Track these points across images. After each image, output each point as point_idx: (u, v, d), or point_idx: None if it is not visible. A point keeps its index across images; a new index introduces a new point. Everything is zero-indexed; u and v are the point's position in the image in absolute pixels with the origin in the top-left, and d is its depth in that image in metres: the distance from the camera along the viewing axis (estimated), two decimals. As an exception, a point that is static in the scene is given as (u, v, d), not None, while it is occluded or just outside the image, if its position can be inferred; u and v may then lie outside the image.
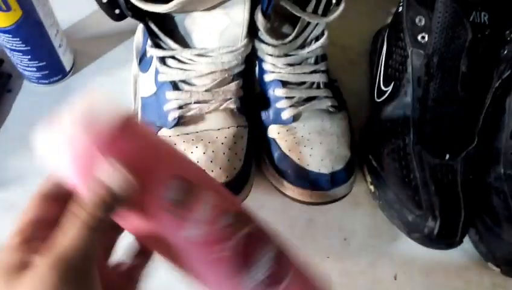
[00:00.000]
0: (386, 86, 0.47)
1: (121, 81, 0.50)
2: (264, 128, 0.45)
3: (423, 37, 0.43)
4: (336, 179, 0.42)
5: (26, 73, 0.48)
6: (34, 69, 0.47)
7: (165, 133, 0.43)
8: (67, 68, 0.50)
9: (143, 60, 0.46)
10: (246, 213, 0.30)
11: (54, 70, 0.48)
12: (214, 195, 0.27)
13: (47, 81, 0.49)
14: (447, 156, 0.43)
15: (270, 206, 0.46)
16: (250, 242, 0.28)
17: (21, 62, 0.46)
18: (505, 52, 0.43)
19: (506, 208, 0.42)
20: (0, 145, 0.47)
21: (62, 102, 0.52)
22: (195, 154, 0.41)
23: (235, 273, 0.27)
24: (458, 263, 0.45)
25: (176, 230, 0.25)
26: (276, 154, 0.43)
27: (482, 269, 0.44)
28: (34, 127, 0.50)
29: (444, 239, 0.42)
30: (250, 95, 0.46)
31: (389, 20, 0.51)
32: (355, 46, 0.56)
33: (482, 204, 0.43)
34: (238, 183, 0.41)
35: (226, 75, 0.42)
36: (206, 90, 0.42)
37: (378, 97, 0.48)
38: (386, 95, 0.46)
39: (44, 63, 0.47)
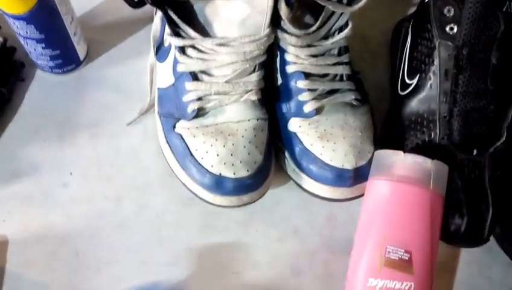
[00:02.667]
0: (411, 78, 0.45)
1: (136, 72, 0.48)
2: (284, 122, 0.43)
3: (451, 28, 0.41)
4: (360, 175, 0.40)
5: (40, 62, 0.46)
6: (48, 57, 0.45)
7: (183, 125, 0.41)
8: (81, 57, 0.48)
9: (160, 50, 0.44)
10: None
11: (67, 60, 0.47)
12: None
13: (60, 71, 0.47)
14: (475, 152, 0.41)
15: (289, 202, 0.44)
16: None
17: (35, 50, 0.44)
18: (537, 44, 0.41)
19: (534, 205, 0.40)
20: (13, 136, 0.45)
21: (75, 92, 0.51)
22: (215, 147, 0.39)
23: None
24: (482, 261, 0.43)
25: None
26: (297, 149, 0.42)
27: (506, 267, 0.42)
28: (47, 117, 0.49)
29: (471, 237, 0.40)
30: (270, 87, 0.44)
31: (410, 10, 0.49)
32: (376, 37, 0.54)
33: (509, 201, 0.41)
34: (258, 178, 0.39)
35: (247, 65, 0.40)
36: (226, 82, 0.40)
37: (402, 90, 0.46)
38: (411, 88, 0.44)
39: (58, 51, 0.45)
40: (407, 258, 0.36)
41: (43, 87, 0.48)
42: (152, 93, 0.46)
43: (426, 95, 0.43)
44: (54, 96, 0.47)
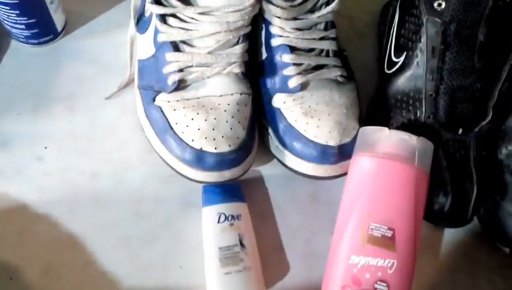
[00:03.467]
0: (398, 56, 0.44)
1: (116, 44, 0.47)
2: (268, 98, 0.42)
3: (439, 4, 0.40)
4: (344, 152, 0.39)
5: (14, 30, 0.44)
6: (23, 26, 0.43)
7: (163, 97, 0.39)
8: (59, 28, 0.46)
9: (141, 20, 0.42)
10: None
11: (44, 29, 0.44)
12: None
13: (36, 41, 0.45)
14: (460, 131, 0.41)
15: (271, 179, 0.43)
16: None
17: (8, 18, 0.42)
18: (525, 23, 0.40)
19: (518, 186, 0.40)
20: (-15, 108, 0.43)
21: (51, 64, 0.49)
22: (196, 121, 0.37)
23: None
24: (465, 243, 0.42)
25: None
26: (281, 125, 0.40)
27: (490, 250, 0.42)
28: (21, 89, 0.47)
29: (455, 216, 0.39)
30: (254, 62, 0.42)
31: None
32: (363, 17, 0.53)
33: (492, 182, 0.41)
34: (241, 153, 0.38)
35: (231, 36, 0.39)
36: (208, 53, 0.39)
37: (389, 68, 0.45)
38: (397, 66, 0.43)
39: (33, 20, 0.43)
40: (390, 235, 0.35)
41: (18, 58, 0.46)
42: (132, 66, 0.44)
43: (413, 73, 0.42)
44: (29, 68, 0.45)
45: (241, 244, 0.37)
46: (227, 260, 0.37)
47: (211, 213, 0.39)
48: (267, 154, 0.43)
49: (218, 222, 0.38)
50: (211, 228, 0.38)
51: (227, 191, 0.40)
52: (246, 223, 0.39)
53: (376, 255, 0.34)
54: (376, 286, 0.34)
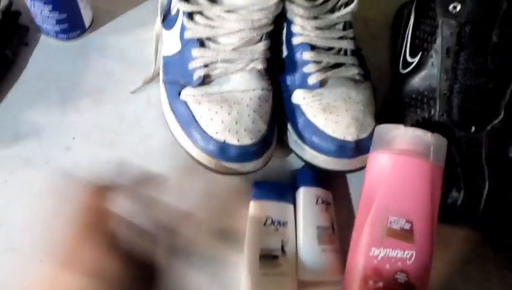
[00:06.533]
0: (413, 56, 0.44)
1: (141, 41, 0.47)
2: (288, 94, 0.42)
3: (455, 7, 0.40)
4: (361, 147, 0.39)
5: (45, 26, 0.44)
6: (54, 21, 0.43)
7: (188, 92, 0.39)
8: (87, 24, 0.46)
9: (167, 17, 0.42)
10: None
11: (73, 25, 0.45)
12: None
13: (65, 36, 0.45)
14: (473, 129, 0.41)
15: (290, 174, 0.43)
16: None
17: (41, 13, 0.42)
18: (537, 25, 0.40)
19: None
20: (16, 100, 0.44)
21: (79, 59, 0.50)
22: (220, 114, 0.38)
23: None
24: (476, 237, 0.42)
25: None
26: (300, 120, 0.41)
27: (499, 246, 0.42)
28: (50, 82, 0.47)
29: (467, 210, 0.39)
30: (276, 60, 0.42)
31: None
32: (377, 19, 0.53)
33: (503, 179, 0.41)
34: (261, 146, 0.38)
35: (255, 34, 0.39)
36: (233, 49, 0.39)
37: (404, 68, 0.45)
38: (412, 66, 0.44)
39: (64, 15, 0.43)
40: (408, 227, 0.35)
41: (47, 52, 0.46)
42: (157, 62, 0.44)
43: (427, 73, 0.42)
44: (58, 62, 0.46)
45: (283, 250, 0.38)
46: (266, 261, 0.37)
47: (259, 211, 0.39)
48: (285, 150, 0.43)
49: (265, 224, 0.38)
50: (257, 226, 0.39)
51: (277, 189, 0.40)
52: (291, 229, 0.39)
53: (395, 247, 0.35)
54: (396, 276, 0.34)
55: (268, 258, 0.37)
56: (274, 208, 0.39)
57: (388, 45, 0.51)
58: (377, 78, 0.47)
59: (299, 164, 0.43)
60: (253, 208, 0.39)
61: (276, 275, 0.37)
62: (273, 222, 0.39)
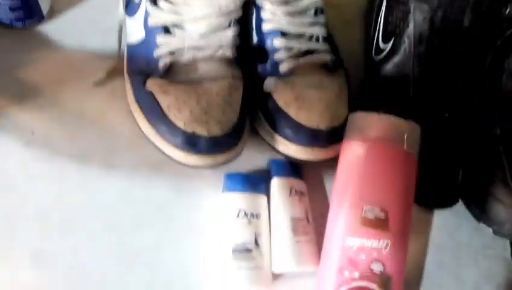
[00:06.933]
0: (385, 42, 0.43)
1: (104, 29, 0.44)
2: (259, 82, 0.40)
3: (427, -8, 0.40)
4: (334, 136, 0.38)
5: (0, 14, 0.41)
6: (7, 8, 0.40)
7: (154, 81, 0.37)
8: (44, 12, 0.43)
9: (130, 4, 0.40)
10: None
11: (29, 12, 0.42)
12: None
13: (21, 24, 0.42)
14: (446, 114, 0.40)
15: (262, 165, 0.42)
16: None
17: (-8, -1, 0.39)
18: (508, 11, 0.40)
19: (501, 169, 0.39)
20: (-32, 93, 0.40)
21: (37, 49, 0.47)
22: (188, 104, 0.36)
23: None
24: (449, 223, 0.42)
25: None
26: (272, 109, 0.39)
27: (473, 230, 0.42)
28: (6, 74, 0.44)
29: (442, 197, 0.39)
30: (245, 47, 0.41)
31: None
32: (349, 6, 0.51)
33: (477, 163, 0.40)
34: (233, 137, 0.37)
35: (223, 20, 0.37)
36: (200, 36, 0.37)
37: (377, 55, 0.44)
38: (385, 52, 0.43)
39: (18, 2, 0.40)
40: (383, 216, 0.34)
41: (3, 42, 0.43)
42: (120, 52, 0.42)
43: (400, 59, 0.41)
44: (14, 52, 0.42)
45: (256, 243, 0.37)
46: (239, 255, 0.36)
47: (231, 203, 0.38)
48: (257, 140, 0.41)
49: (237, 217, 0.37)
50: (229, 219, 0.37)
51: (250, 181, 0.39)
52: (264, 221, 0.38)
53: (371, 237, 0.34)
54: (372, 266, 0.33)
55: (241, 252, 0.36)
56: (246, 200, 0.38)
57: (361, 32, 0.50)
58: (350, 66, 0.46)
59: (272, 155, 0.41)
60: (225, 200, 0.38)
61: (250, 268, 0.35)
62: (245, 214, 0.37)
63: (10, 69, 0.42)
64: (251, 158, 0.42)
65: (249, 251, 0.36)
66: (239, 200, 0.38)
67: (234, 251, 0.36)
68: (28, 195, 0.38)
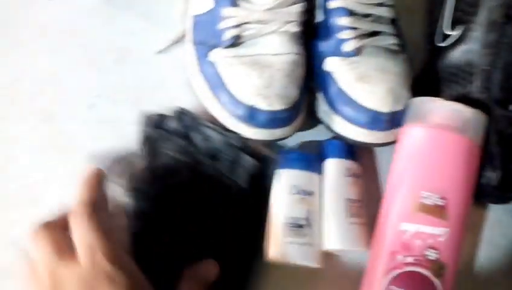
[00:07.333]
0: (453, 29, 0.41)
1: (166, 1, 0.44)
2: (320, 61, 0.40)
3: (502, -24, 0.38)
4: (395, 119, 0.37)
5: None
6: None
7: (218, 53, 0.38)
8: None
9: (198, -26, 0.40)
10: None
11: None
12: None
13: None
14: (510, 107, 0.38)
15: (315, 144, 0.41)
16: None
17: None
18: None
19: None
20: (39, 53, 0.42)
21: (103, 16, 0.47)
22: (251, 77, 0.36)
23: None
24: (504, 222, 0.41)
25: None
26: (332, 89, 0.39)
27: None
28: (74, 38, 0.44)
29: (502, 191, 0.38)
30: (309, 25, 0.40)
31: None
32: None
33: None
34: (292, 113, 0.37)
35: (290, -6, 0.37)
36: (267, 10, 0.37)
37: (442, 42, 0.42)
38: (451, 39, 0.41)
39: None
40: (442, 204, 0.33)
41: (71, 9, 0.44)
42: (184, 22, 0.42)
43: (468, 47, 0.40)
44: (82, 18, 0.44)
45: (307, 220, 0.37)
46: (291, 230, 0.36)
47: (285, 179, 0.38)
48: (313, 119, 0.41)
49: (291, 193, 0.37)
50: (283, 194, 0.37)
51: (305, 159, 0.39)
52: (316, 200, 0.38)
53: (427, 223, 0.33)
54: (426, 252, 0.32)
55: (293, 227, 0.36)
56: (300, 178, 0.38)
57: (423, 20, 0.49)
58: (410, 53, 0.45)
59: (325, 135, 0.41)
60: (279, 176, 0.38)
61: (301, 244, 0.36)
62: (299, 191, 0.37)
63: (77, 33, 0.43)
64: (305, 136, 0.41)
65: (300, 227, 0.36)
66: (294, 177, 0.38)
67: (286, 225, 0.36)
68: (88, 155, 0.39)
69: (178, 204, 0.36)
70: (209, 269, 0.34)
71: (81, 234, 0.29)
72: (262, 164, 0.38)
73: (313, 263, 0.36)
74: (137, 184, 0.36)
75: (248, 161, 0.37)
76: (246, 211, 0.37)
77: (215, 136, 0.37)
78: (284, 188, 0.37)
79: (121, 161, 0.37)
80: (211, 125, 0.38)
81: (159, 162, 0.37)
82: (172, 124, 0.38)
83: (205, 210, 0.36)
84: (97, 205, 0.30)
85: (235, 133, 0.37)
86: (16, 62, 0.42)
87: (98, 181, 0.31)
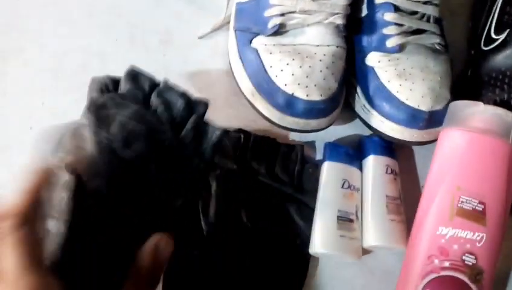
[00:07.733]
0: (498, 33, 0.40)
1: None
2: (362, 55, 0.39)
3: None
4: (433, 119, 0.37)
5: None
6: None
7: (261, 40, 0.38)
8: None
9: (246, -37, 0.40)
10: None
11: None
12: None
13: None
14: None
15: (349, 140, 0.41)
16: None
17: None
18: None
19: None
20: (85, 30, 0.42)
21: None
22: (291, 66, 0.36)
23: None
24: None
25: None
26: (372, 84, 0.38)
27: None
28: (120, 17, 0.44)
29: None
30: (353, 19, 0.40)
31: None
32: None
33: None
34: (330, 105, 0.36)
35: (337, -14, 0.36)
36: (313, 0, 0.37)
37: (486, 45, 0.41)
38: (497, 43, 0.40)
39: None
40: (481, 209, 0.33)
41: None
42: (228, 9, 0.42)
43: (512, 52, 0.39)
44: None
45: (356, 215, 0.37)
46: (343, 223, 0.36)
47: (335, 172, 0.38)
48: (349, 114, 0.41)
49: (342, 187, 0.37)
50: (335, 187, 0.37)
51: (351, 154, 0.39)
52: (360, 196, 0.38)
53: (465, 228, 0.32)
54: (464, 257, 0.32)
55: (345, 221, 0.36)
56: (349, 173, 0.38)
57: (465, 22, 0.48)
58: (451, 56, 0.44)
59: (360, 131, 0.40)
60: (329, 169, 0.38)
61: (350, 238, 0.36)
62: (349, 186, 0.37)
63: (123, 13, 0.44)
64: (339, 130, 0.41)
65: (351, 221, 0.36)
66: (344, 171, 0.38)
67: (339, 219, 0.36)
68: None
69: (133, 179, 0.30)
70: (162, 244, 0.29)
71: (3, 253, 0.25)
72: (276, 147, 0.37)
73: (356, 257, 0.36)
74: (86, 159, 0.29)
75: (213, 129, 0.32)
76: (208, 183, 0.35)
77: (177, 100, 0.32)
78: (336, 181, 0.37)
79: (70, 136, 0.30)
80: (172, 86, 0.32)
81: (110, 132, 0.30)
82: (126, 87, 0.32)
83: (164, 184, 0.30)
84: (29, 213, 0.26)
85: (200, 97, 0.32)
86: (64, 39, 0.43)
87: (38, 183, 0.27)
